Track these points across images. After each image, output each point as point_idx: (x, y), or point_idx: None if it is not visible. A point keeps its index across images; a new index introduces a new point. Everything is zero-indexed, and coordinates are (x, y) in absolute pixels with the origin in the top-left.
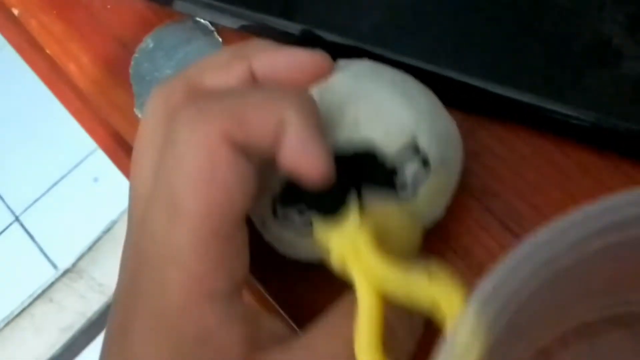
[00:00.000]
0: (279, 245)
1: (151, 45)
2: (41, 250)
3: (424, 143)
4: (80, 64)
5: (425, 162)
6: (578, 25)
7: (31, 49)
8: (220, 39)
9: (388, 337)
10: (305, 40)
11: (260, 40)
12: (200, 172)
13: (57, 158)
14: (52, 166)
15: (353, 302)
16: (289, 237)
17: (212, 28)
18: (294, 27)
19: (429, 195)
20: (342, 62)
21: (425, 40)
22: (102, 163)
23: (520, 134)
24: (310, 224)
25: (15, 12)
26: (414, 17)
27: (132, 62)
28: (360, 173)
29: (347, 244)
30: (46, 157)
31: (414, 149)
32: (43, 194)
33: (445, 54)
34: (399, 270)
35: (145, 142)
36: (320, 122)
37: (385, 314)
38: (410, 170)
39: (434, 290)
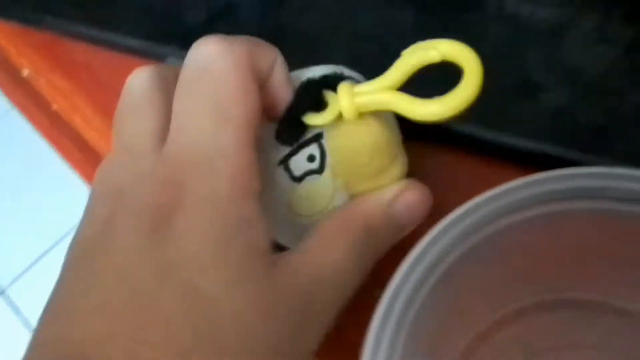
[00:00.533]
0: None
1: None
2: (27, 324)
3: (345, 71)
4: (84, 116)
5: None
6: (506, 65)
7: (35, 108)
8: None
9: None
10: None
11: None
12: (240, 87)
13: (43, 231)
14: (38, 239)
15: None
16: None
17: None
18: None
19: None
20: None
21: None
22: None
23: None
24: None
25: (25, 72)
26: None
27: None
28: (324, 82)
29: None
30: (32, 230)
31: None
32: (29, 267)
33: None
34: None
35: (140, 98)
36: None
37: None
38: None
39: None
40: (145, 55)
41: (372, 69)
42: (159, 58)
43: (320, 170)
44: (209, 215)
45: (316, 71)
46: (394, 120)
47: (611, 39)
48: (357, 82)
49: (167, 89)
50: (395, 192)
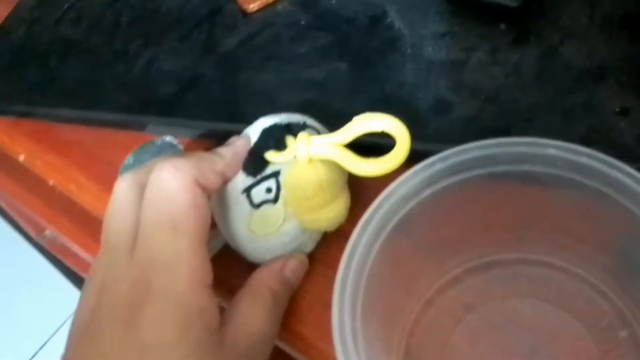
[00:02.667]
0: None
1: (132, 160)
2: None
3: (309, 121)
4: (79, 184)
5: (316, 130)
6: (423, 92)
7: (27, 193)
8: (182, 147)
9: None
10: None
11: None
12: (190, 204)
13: (23, 340)
14: (17, 349)
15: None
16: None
17: (176, 142)
18: (238, 128)
19: None
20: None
21: None
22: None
23: None
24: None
25: (21, 158)
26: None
27: (119, 175)
28: (286, 128)
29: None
30: (11, 341)
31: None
32: None
33: None
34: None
35: (122, 201)
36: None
37: None
38: (310, 131)
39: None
40: (128, 126)
41: (317, 109)
42: (139, 127)
43: (274, 200)
44: (172, 305)
45: (284, 118)
46: (339, 166)
47: (501, 62)
48: (317, 131)
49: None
50: (282, 262)
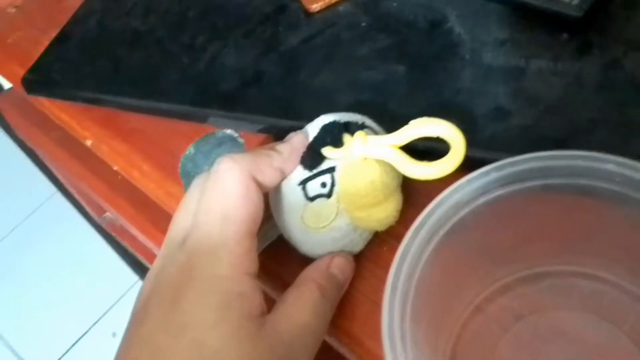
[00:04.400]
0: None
1: (193, 151)
2: None
3: (368, 121)
4: (142, 171)
5: (374, 131)
6: (480, 98)
7: (92, 176)
8: (242, 141)
9: None
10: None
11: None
12: (242, 195)
13: (77, 316)
14: (71, 325)
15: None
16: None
17: (236, 134)
18: (296, 124)
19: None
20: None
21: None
22: (119, 317)
23: None
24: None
25: (88, 143)
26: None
27: (180, 165)
28: (345, 126)
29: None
30: (65, 316)
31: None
32: (64, 354)
33: None
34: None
35: (188, 199)
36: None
37: None
38: (367, 131)
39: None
40: (190, 118)
41: (374, 110)
42: (201, 119)
43: (328, 195)
44: (213, 289)
45: (343, 116)
46: (393, 168)
47: (562, 72)
48: (375, 132)
49: None
50: (328, 260)
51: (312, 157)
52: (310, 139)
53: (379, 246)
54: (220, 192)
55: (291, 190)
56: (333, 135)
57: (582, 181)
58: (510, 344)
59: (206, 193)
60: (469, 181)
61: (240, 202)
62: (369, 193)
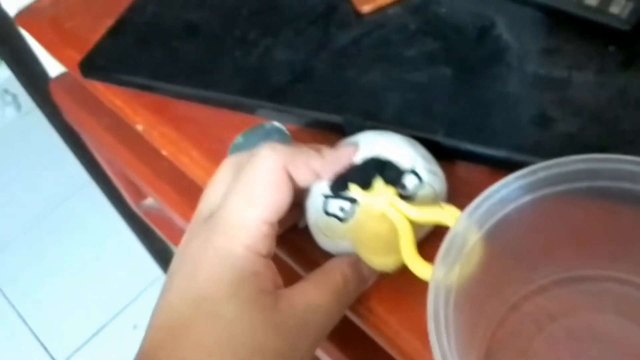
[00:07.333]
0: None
1: (241, 140)
2: None
3: (419, 167)
4: (191, 157)
5: (420, 179)
6: (525, 105)
7: (138, 162)
8: (288, 133)
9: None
10: (348, 125)
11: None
12: (271, 183)
13: (99, 306)
14: (93, 315)
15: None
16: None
17: (283, 127)
18: (337, 119)
19: (422, 201)
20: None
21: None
22: (142, 310)
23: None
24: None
25: (140, 127)
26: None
27: (228, 153)
28: (384, 168)
29: (381, 197)
30: (88, 306)
31: (412, 170)
32: (85, 343)
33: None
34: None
35: (220, 177)
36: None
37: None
38: (410, 179)
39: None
40: (240, 108)
41: (419, 112)
42: (250, 110)
43: (343, 220)
44: (227, 265)
45: (392, 150)
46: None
47: (607, 83)
48: (420, 179)
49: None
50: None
51: (339, 184)
52: (357, 157)
53: None
54: (252, 177)
55: (316, 195)
56: (365, 177)
57: (627, 185)
58: (545, 343)
59: (240, 176)
60: (516, 178)
61: (267, 190)
62: (371, 240)
